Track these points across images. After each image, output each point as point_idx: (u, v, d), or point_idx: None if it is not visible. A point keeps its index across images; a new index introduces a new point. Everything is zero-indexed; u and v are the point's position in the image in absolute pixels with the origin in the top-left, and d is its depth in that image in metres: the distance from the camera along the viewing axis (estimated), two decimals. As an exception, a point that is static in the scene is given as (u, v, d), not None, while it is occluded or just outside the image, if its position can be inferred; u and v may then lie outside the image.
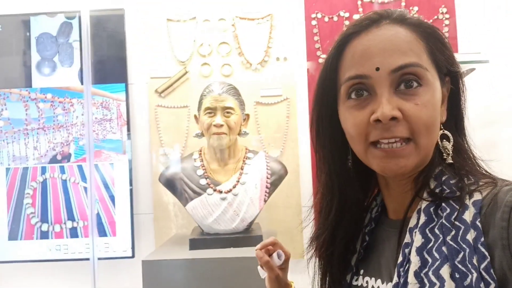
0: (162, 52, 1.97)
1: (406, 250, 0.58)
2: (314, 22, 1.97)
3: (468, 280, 0.50)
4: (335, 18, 1.97)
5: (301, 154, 1.95)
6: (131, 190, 1.91)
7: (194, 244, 1.51)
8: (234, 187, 1.57)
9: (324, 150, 0.70)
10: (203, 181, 1.58)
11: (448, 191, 0.58)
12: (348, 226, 0.71)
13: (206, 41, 1.97)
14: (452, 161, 0.61)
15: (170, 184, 1.62)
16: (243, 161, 1.63)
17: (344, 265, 0.72)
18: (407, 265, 0.56)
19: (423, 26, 0.61)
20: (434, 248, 0.55)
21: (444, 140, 0.63)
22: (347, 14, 1.97)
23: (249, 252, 1.45)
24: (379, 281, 0.65)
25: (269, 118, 1.95)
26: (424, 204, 0.59)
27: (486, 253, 0.51)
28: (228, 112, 1.57)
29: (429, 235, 0.56)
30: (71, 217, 1.90)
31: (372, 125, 0.59)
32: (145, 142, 1.97)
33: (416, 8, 1.96)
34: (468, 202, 0.56)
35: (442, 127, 0.63)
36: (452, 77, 0.64)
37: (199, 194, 1.56)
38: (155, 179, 1.89)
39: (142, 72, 1.97)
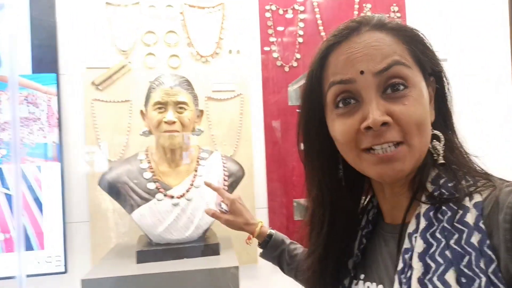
0: (100, 39, 1.74)
1: (406, 256, 0.56)
2: (268, 14, 1.87)
3: (476, 284, 0.49)
4: (290, 11, 1.89)
5: (254, 153, 1.84)
6: (62, 196, 1.66)
7: (143, 256, 1.32)
8: (187, 191, 1.41)
9: (313, 163, 0.69)
10: (151, 185, 1.40)
11: (447, 194, 0.57)
12: (341, 236, 0.70)
13: (151, 29, 1.77)
14: (444, 161, 0.60)
15: (112, 189, 1.42)
16: (197, 161, 1.48)
17: (338, 269, 0.71)
18: (409, 272, 0.55)
19: (403, 30, 0.62)
20: (437, 253, 0.53)
21: (434, 140, 0.62)
22: (301, 8, 1.89)
23: (205, 263, 1.30)
24: (381, 286, 0.63)
25: (221, 114, 1.80)
26: (423, 208, 0.58)
27: (493, 256, 0.50)
28: (181, 108, 1.41)
29: (431, 239, 0.55)
30: (-13, 230, 1.61)
31: (363, 132, 0.58)
32: (79, 141, 1.73)
33: (369, 5, 1.94)
34: (469, 204, 0.55)
35: (431, 127, 0.62)
36: (436, 77, 0.64)
37: (147, 200, 1.38)
38: (91, 183, 1.67)
39: (76, 61, 1.72)
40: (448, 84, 0.65)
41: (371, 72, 0.58)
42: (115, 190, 1.41)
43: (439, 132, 0.62)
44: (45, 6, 1.70)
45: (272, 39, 1.87)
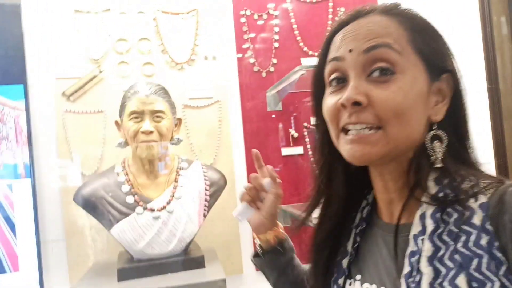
0: (69, 48, 1.67)
1: (413, 260, 0.54)
2: (243, 20, 1.85)
3: None
4: (265, 16, 1.87)
5: (235, 160, 1.80)
6: (35, 214, 1.58)
7: (124, 274, 1.27)
8: (168, 203, 1.36)
9: (320, 141, 0.69)
10: (130, 199, 1.34)
11: (453, 195, 0.55)
12: (334, 227, 0.70)
13: (123, 37, 1.72)
14: (441, 165, 0.57)
15: (88, 204, 1.35)
16: (177, 172, 1.43)
17: (328, 268, 0.69)
18: (418, 276, 0.52)
19: (412, 18, 0.61)
20: (446, 257, 0.51)
21: (436, 141, 0.59)
22: (276, 13, 1.88)
23: (190, 277, 1.26)
24: None
25: (200, 122, 1.76)
26: (429, 210, 0.55)
27: (503, 258, 0.49)
28: (158, 117, 1.36)
29: (438, 242, 0.53)
30: (-46, 254, 1.51)
31: (341, 110, 0.59)
32: (51, 155, 1.65)
33: (343, 9, 1.94)
34: (475, 205, 0.53)
35: (435, 127, 0.59)
36: (453, 75, 0.61)
37: (126, 215, 1.32)
38: (66, 199, 1.59)
39: (46, 71, 1.65)
40: (460, 84, 0.62)
41: (358, 50, 0.58)
42: (91, 205, 1.34)
43: (443, 133, 0.59)
44: (10, 15, 1.62)
45: (247, 44, 1.84)
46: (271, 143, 1.84)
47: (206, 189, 1.43)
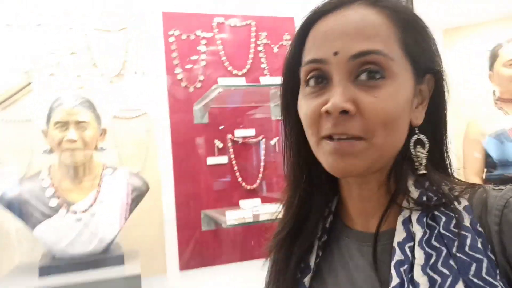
0: (0, 60, 1.75)
1: (402, 269, 0.49)
2: (171, 39, 2.01)
3: None
4: (192, 37, 2.04)
5: (161, 169, 1.94)
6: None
7: (45, 271, 1.37)
8: (90, 206, 1.48)
9: (289, 140, 0.64)
10: (53, 202, 1.45)
11: (435, 198, 0.52)
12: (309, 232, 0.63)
13: (54, 50, 1.82)
14: (425, 172, 0.55)
15: (14, 207, 1.44)
16: (100, 178, 1.55)
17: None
18: None
19: (400, 11, 0.55)
20: (439, 264, 0.48)
21: (418, 146, 0.56)
22: (204, 34, 2.06)
23: (107, 273, 1.38)
24: None
25: (128, 133, 1.90)
26: (415, 215, 0.52)
27: (496, 260, 0.47)
28: (82, 127, 1.48)
29: (427, 249, 0.49)
30: None
31: (324, 117, 0.52)
32: (-22, 161, 1.71)
33: (265, 33, 2.16)
34: (460, 207, 0.51)
35: (417, 131, 0.56)
36: (435, 76, 0.57)
37: (49, 217, 1.43)
38: (-8, 203, 1.66)
39: (-26, 81, 1.72)
40: (446, 85, 0.57)
41: (345, 55, 0.51)
42: (16, 208, 1.43)
43: (424, 137, 0.55)
44: None
45: (176, 61, 2.00)
46: (197, 153, 2.00)
47: (128, 194, 1.56)
